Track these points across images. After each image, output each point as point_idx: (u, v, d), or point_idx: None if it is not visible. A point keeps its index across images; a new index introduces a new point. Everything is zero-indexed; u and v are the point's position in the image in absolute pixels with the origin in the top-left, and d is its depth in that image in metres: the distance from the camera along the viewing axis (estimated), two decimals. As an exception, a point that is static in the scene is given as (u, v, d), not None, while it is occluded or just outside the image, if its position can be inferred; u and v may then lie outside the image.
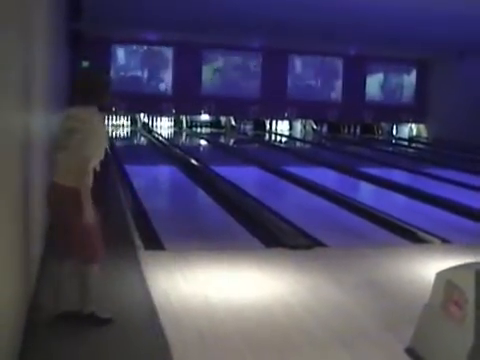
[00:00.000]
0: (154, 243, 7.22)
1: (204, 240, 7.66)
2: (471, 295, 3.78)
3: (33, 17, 5.24)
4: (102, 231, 4.61)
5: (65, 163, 4.45)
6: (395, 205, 10.96)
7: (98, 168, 4.56)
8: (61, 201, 4.45)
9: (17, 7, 3.87)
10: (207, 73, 26.26)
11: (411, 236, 8.19)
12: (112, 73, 25.07)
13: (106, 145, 4.63)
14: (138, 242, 7.07)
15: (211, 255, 6.72)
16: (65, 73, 13.86)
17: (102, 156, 4.52)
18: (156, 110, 25.88)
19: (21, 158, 4.21)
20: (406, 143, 26.24)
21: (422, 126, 28.59)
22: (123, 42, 25.10)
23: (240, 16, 16.76)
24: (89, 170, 4.41)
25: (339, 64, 27.56)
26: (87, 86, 4.51)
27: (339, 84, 27.62)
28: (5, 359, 3.37)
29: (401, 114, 27.91)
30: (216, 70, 26.47)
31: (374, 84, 28.16)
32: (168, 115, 26.29)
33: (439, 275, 4.19)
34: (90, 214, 4.36)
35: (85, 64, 23.45)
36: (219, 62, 26.47)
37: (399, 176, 14.68)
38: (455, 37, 19.40)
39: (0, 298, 3.22)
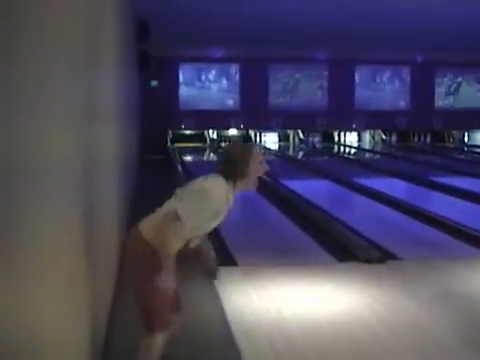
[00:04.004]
0: (226, 259, 7.25)
1: (276, 255, 7.64)
2: None
3: (102, 37, 5.37)
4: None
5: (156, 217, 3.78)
6: (470, 214, 10.68)
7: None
8: (137, 254, 3.75)
9: (84, 27, 3.96)
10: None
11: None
12: (180, 90, 25.45)
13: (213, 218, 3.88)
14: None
15: (284, 270, 6.71)
16: (135, 93, 14.14)
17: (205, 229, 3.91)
18: (224, 126, 26.07)
19: (86, 176, 4.06)
20: (479, 150, 25.62)
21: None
22: (190, 60, 25.42)
23: (305, 28, 16.77)
24: (180, 235, 3.69)
25: (407, 71, 27.20)
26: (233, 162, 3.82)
27: (407, 92, 27.25)
28: None
29: (473, 120, 27.24)
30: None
31: (443, 90, 27.65)
32: (237, 131, 26.47)
33: None
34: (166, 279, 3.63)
35: (154, 83, 23.88)
36: (286, 75, 26.47)
37: (473, 184, 14.32)
38: None
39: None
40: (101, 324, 4.61)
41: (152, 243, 3.65)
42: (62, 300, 2.93)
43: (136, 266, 3.73)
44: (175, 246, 3.66)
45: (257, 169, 3.85)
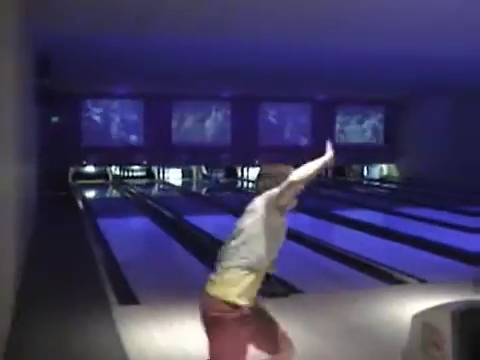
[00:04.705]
0: (128, 298, 7.12)
1: (181, 292, 7.54)
2: (448, 336, 3.75)
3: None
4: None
5: (222, 268, 3.68)
6: (370, 246, 10.93)
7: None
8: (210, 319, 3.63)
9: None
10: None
11: (387, 277, 8.18)
12: (82, 127, 25.07)
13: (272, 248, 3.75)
14: (112, 297, 6.97)
15: (187, 307, 6.61)
16: (35, 129, 13.82)
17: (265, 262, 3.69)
18: (127, 162, 25.85)
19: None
20: (377, 184, 26.44)
21: (392, 166, 28.85)
22: (93, 96, 25.14)
23: (208, 66, 16.89)
24: (246, 285, 3.59)
25: (308, 108, 27.83)
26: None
27: (309, 128, 27.84)
28: None
29: (371, 155, 28.18)
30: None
31: (343, 126, 28.44)
32: (140, 166, 26.33)
33: (416, 317, 4.16)
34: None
35: (54, 119, 23.43)
36: (190, 112, 26.55)
37: (372, 217, 14.72)
38: (422, 79, 19.72)
39: None
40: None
41: (220, 297, 3.56)
42: None
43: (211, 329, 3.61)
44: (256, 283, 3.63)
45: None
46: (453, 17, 10.17)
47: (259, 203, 3.67)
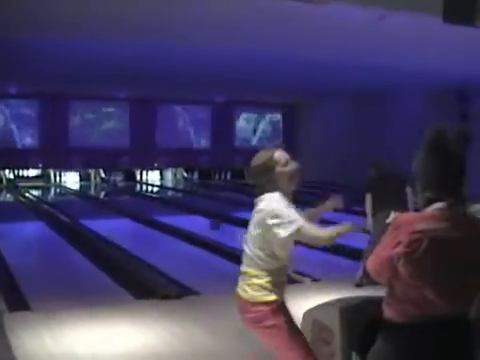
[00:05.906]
0: (20, 304, 6.92)
1: (75, 297, 7.40)
2: (337, 332, 3.83)
3: None
4: None
5: (245, 274, 3.70)
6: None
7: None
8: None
9: None
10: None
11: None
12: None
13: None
14: (2, 305, 6.77)
15: (80, 312, 6.52)
16: None
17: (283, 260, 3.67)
18: (22, 165, 25.12)
19: None
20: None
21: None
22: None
23: (104, 67, 16.69)
24: (269, 286, 3.59)
25: (207, 111, 27.93)
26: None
27: (208, 131, 27.95)
28: None
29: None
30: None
31: (242, 129, 28.72)
32: (36, 169, 25.68)
33: (306, 314, 4.22)
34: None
35: None
36: (89, 113, 26.16)
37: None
38: (316, 83, 20.19)
39: None
40: None
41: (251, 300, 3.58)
42: None
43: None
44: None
45: (285, 171, 3.85)
46: (340, 26, 10.44)
47: (265, 206, 3.73)
